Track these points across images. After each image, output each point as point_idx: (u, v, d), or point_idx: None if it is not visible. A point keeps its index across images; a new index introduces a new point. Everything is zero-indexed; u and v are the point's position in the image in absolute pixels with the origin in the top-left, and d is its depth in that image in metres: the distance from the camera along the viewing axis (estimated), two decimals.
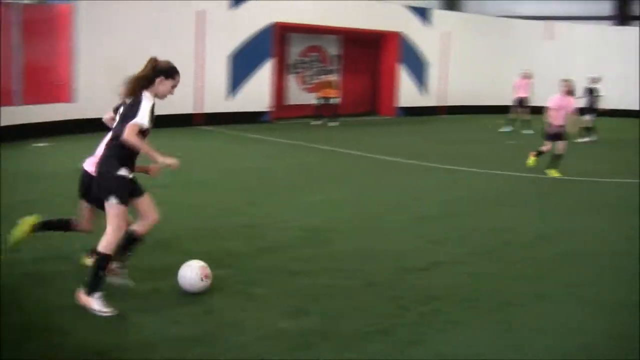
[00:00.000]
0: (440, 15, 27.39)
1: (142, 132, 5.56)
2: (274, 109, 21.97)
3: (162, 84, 5.69)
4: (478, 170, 14.02)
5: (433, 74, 26.87)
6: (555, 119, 13.35)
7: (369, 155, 15.50)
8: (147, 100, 5.59)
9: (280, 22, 21.54)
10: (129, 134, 5.43)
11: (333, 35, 24.41)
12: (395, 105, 25.81)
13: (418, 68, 26.35)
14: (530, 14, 31.66)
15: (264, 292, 6.38)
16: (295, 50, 23.80)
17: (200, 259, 6.49)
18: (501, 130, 22.13)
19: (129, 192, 5.72)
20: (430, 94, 26.94)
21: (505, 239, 8.79)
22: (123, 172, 5.61)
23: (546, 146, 13.58)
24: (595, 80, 21.11)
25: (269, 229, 8.80)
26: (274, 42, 21.48)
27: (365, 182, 12.47)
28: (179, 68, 5.90)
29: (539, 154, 13.67)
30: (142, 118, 5.51)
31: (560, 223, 9.73)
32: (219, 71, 20.54)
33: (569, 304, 6.47)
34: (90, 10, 17.40)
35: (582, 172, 13.99)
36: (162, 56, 5.96)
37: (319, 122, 21.88)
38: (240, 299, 6.18)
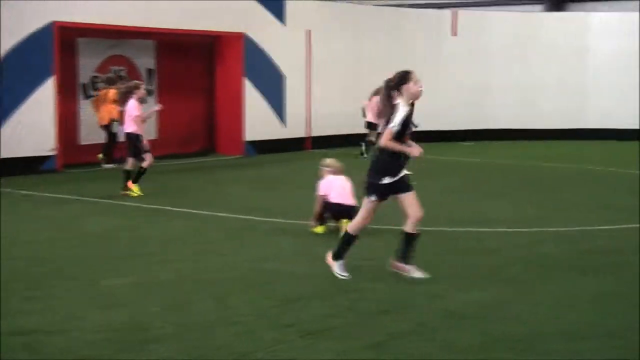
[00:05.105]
0: (298, 8, 21.70)
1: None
2: (60, 152, 17.82)
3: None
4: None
5: (292, 91, 21.26)
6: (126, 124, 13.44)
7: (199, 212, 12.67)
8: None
9: (63, 22, 17.30)
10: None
11: (146, 40, 20.17)
12: (243, 140, 20.89)
13: (271, 84, 21.14)
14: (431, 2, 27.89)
15: None
16: (90, 63, 19.30)
17: None
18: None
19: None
20: (289, 121, 21.53)
21: None
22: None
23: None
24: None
25: None
26: (54, 52, 17.35)
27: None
28: None
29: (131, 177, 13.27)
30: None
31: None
32: None
33: None
34: None
35: None
36: None
37: (111, 166, 17.65)
38: None
